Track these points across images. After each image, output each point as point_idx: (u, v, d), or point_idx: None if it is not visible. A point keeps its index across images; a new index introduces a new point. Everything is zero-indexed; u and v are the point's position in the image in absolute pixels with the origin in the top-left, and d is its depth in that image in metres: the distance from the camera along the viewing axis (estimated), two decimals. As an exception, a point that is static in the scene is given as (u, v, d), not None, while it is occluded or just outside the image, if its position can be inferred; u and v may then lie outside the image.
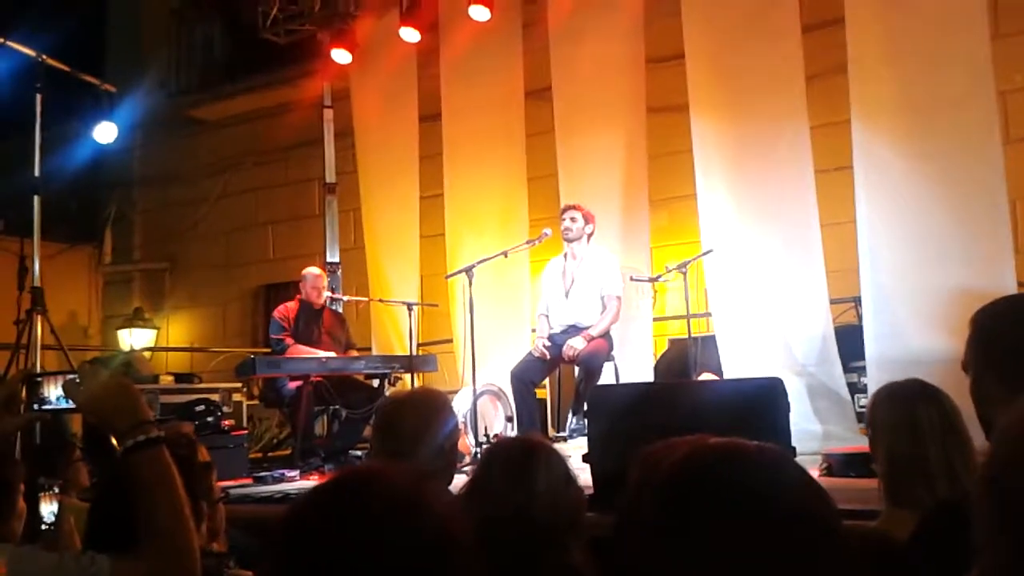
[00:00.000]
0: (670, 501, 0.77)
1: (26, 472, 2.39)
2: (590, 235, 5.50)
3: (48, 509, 2.40)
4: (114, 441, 1.53)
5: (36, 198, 5.71)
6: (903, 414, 2.04)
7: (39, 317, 5.46)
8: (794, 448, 2.96)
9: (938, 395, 2.07)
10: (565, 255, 5.57)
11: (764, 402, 3.08)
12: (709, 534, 0.73)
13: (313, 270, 6.18)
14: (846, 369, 5.29)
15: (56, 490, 2.39)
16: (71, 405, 1.71)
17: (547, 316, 5.56)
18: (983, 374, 1.51)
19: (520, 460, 1.69)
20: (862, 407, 5.18)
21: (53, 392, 1.80)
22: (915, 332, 4.85)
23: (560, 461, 1.73)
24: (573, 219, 5.45)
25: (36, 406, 1.80)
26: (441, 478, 2.11)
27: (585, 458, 3.07)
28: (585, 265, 5.44)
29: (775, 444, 0.81)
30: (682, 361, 5.56)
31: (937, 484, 1.95)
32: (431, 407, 2.15)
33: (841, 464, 3.82)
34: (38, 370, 4.88)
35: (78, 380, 1.58)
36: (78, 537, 2.17)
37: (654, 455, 0.85)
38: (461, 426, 5.32)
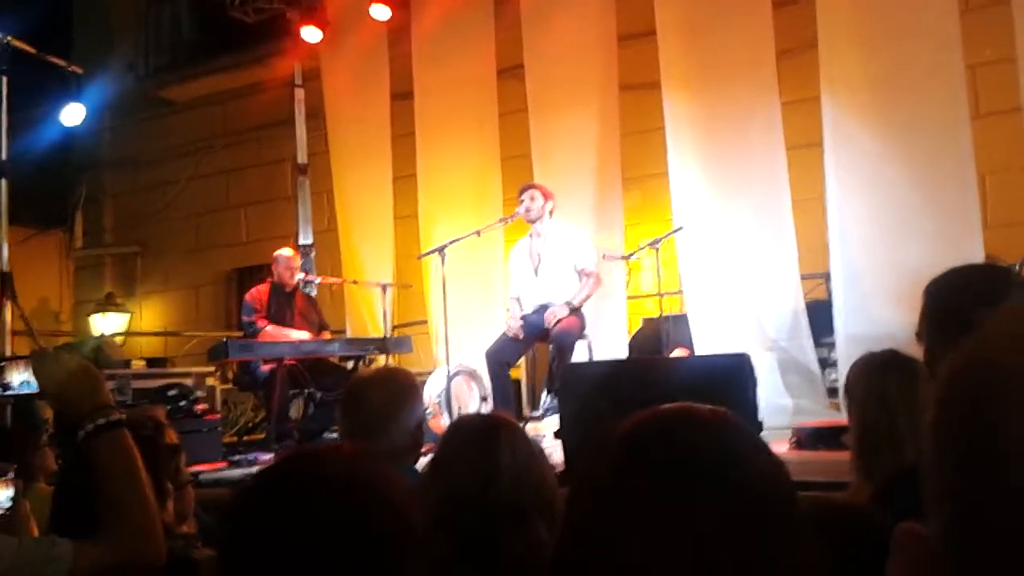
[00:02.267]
0: (620, 461, 0.78)
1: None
2: (551, 211, 5.49)
3: (4, 494, 2.37)
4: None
5: (3, 181, 5.63)
6: (875, 383, 2.05)
7: (8, 303, 5.41)
8: (760, 422, 2.99)
9: (912, 364, 2.07)
10: (530, 235, 5.56)
11: (732, 377, 3.10)
12: (657, 493, 0.73)
13: (285, 251, 6.13)
14: (817, 344, 5.35)
15: (12, 475, 2.35)
16: (34, 390, 1.70)
17: (518, 298, 5.55)
18: (934, 344, 1.53)
19: (483, 436, 1.68)
20: (832, 381, 5.24)
21: (16, 377, 1.78)
22: (884, 307, 4.89)
23: (524, 437, 1.73)
24: (532, 198, 5.42)
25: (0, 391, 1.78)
26: (407, 458, 2.12)
27: (557, 434, 3.09)
28: (550, 241, 5.43)
29: (741, 417, 0.82)
30: (655, 339, 5.59)
31: (906, 453, 1.95)
32: (397, 386, 2.15)
33: (810, 437, 3.86)
34: (5, 355, 4.83)
35: (38, 363, 1.57)
36: (35, 523, 2.16)
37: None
38: (435, 406, 5.34)
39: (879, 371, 2.06)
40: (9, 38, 5.84)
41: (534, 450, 1.73)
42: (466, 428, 1.77)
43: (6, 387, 1.78)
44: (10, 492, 2.50)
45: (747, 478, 0.75)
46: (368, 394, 2.11)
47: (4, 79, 5.81)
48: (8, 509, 2.49)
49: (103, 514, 1.45)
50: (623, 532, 0.74)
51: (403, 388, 2.14)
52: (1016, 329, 0.59)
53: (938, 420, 0.61)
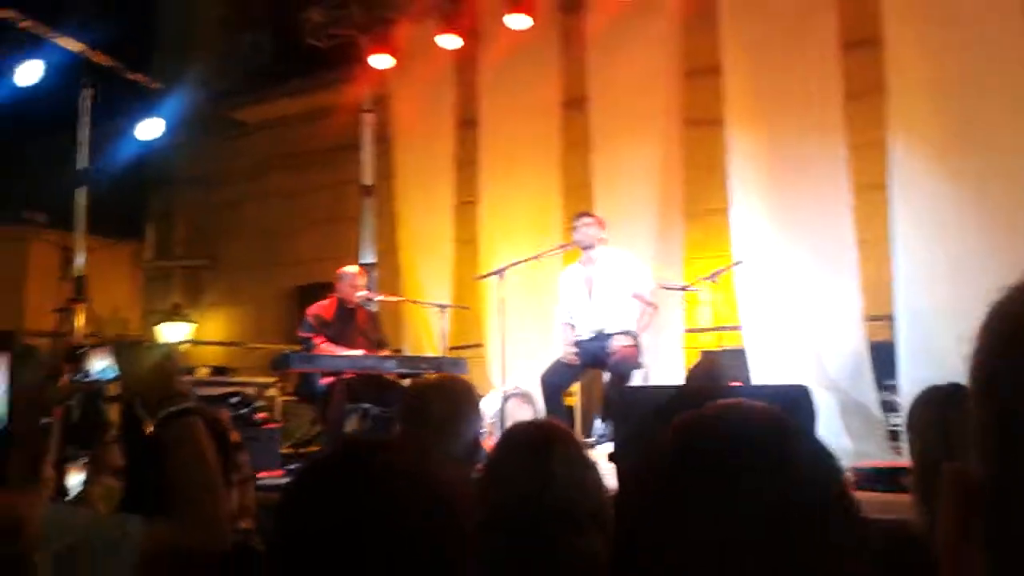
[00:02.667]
0: (674, 454, 0.78)
1: (58, 442, 2.44)
2: (603, 240, 5.52)
3: (75, 480, 2.44)
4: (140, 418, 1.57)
5: (83, 189, 5.85)
6: (936, 415, 2.01)
7: (80, 306, 5.60)
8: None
9: None
10: (581, 262, 5.60)
11: (792, 408, 3.07)
12: (710, 485, 0.74)
13: (351, 268, 6.21)
14: (879, 387, 5.25)
15: (84, 460, 2.43)
16: (112, 377, 1.77)
17: (570, 323, 5.57)
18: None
19: (537, 444, 1.68)
20: (894, 426, 5.13)
21: (96, 364, 1.85)
22: (949, 350, 4.79)
23: (578, 446, 1.73)
24: (586, 224, 5.48)
25: (78, 377, 1.85)
26: (465, 465, 2.14)
27: (611, 458, 3.08)
28: (602, 266, 5.46)
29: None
30: (713, 373, 5.54)
31: None
32: (457, 394, 2.17)
33: (869, 478, 3.80)
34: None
35: (119, 352, 1.64)
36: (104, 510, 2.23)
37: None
38: (490, 427, 5.36)
39: (940, 404, 2.03)
40: (92, 52, 6.08)
41: (588, 459, 1.73)
42: (520, 435, 1.77)
43: (86, 374, 1.86)
44: (81, 478, 2.59)
45: (803, 473, 0.75)
46: (429, 402, 2.14)
47: (86, 92, 6.05)
48: (79, 494, 2.58)
49: (172, 498, 1.49)
50: (677, 525, 0.74)
51: (463, 398, 2.17)
52: None
53: (980, 351, 0.61)
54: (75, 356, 1.85)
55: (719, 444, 0.76)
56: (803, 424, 0.84)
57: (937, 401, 2.06)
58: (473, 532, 0.98)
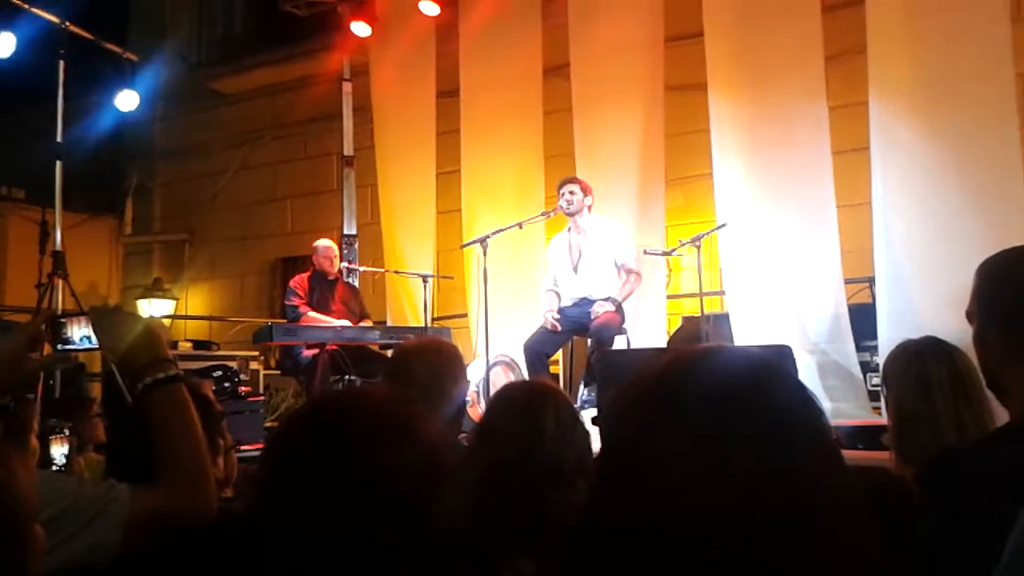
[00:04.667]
0: (657, 393, 0.79)
1: (40, 413, 2.44)
2: (590, 206, 5.52)
3: (59, 451, 2.46)
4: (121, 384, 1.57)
5: (58, 163, 5.78)
6: (914, 368, 2.03)
7: (60, 281, 5.55)
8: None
9: (952, 352, 2.05)
10: (569, 228, 5.60)
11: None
12: (693, 424, 0.75)
13: (324, 241, 6.27)
14: (858, 348, 5.31)
15: (67, 432, 2.44)
16: (94, 345, 1.75)
17: (555, 291, 5.58)
18: (985, 325, 1.52)
19: (528, 402, 1.71)
20: (874, 386, 5.20)
21: (77, 333, 1.84)
22: (929, 312, 4.84)
23: (567, 402, 1.76)
24: (572, 192, 5.45)
25: (60, 346, 1.84)
26: (450, 426, 2.15)
27: (594, 421, 3.10)
28: (590, 236, 5.46)
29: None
30: (695, 337, 5.58)
31: (945, 436, 1.93)
32: (443, 357, 2.18)
33: (848, 436, 3.85)
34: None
35: (98, 319, 1.62)
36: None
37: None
38: (474, 395, 5.38)
39: (917, 356, 2.05)
40: (67, 23, 5.99)
41: (576, 416, 1.76)
42: (511, 394, 1.81)
43: (67, 342, 1.84)
44: (64, 449, 2.60)
45: (781, 409, 0.76)
46: (414, 363, 2.15)
47: (61, 64, 5.96)
48: (63, 465, 2.59)
49: (159, 464, 1.48)
50: (661, 465, 0.75)
51: (449, 359, 2.18)
52: None
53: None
54: (56, 326, 1.83)
55: (704, 379, 0.77)
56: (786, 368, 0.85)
57: (913, 352, 2.09)
58: (453, 473, 0.99)
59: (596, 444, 3.28)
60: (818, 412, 0.78)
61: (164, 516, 1.44)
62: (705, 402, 0.75)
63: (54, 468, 2.57)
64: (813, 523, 0.72)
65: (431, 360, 2.15)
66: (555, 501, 1.57)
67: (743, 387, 0.76)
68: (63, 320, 1.82)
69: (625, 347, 5.27)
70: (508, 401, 1.77)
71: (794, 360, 3.19)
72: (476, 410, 5.25)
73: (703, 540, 0.72)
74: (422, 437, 0.99)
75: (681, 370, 0.80)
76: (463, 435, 2.33)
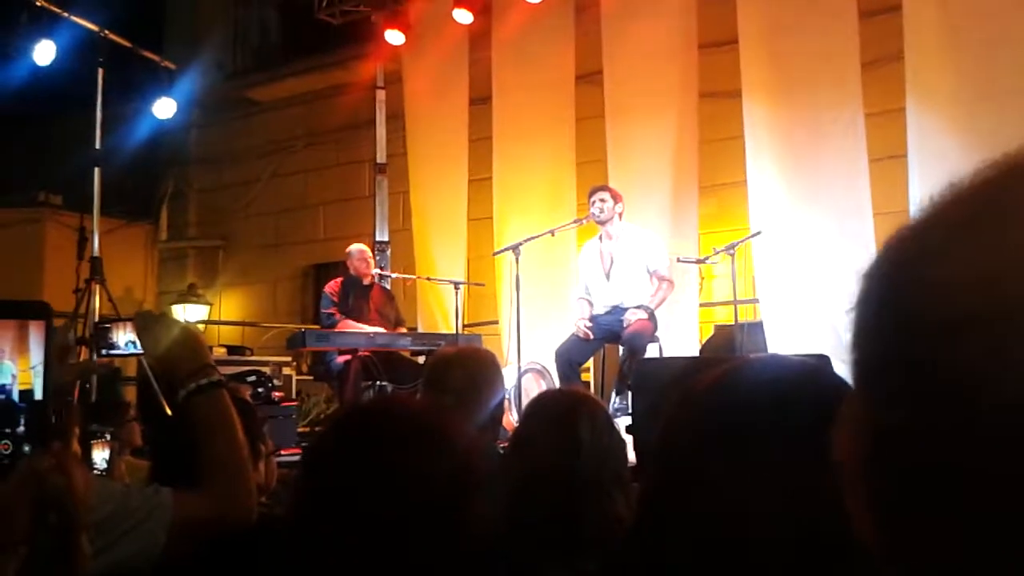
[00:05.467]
0: (713, 406, 0.78)
1: (81, 419, 2.47)
2: (620, 214, 5.51)
3: (100, 456, 2.48)
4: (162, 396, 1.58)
5: (96, 170, 5.85)
6: None
7: (97, 286, 5.62)
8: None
9: None
10: (600, 237, 5.58)
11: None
12: (753, 438, 0.74)
13: (359, 245, 6.26)
14: (895, 358, 5.22)
15: (108, 438, 2.47)
16: (138, 351, 1.77)
17: (587, 299, 5.56)
18: None
19: (564, 412, 1.69)
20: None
21: (121, 338, 1.85)
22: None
23: (603, 412, 1.75)
24: (603, 200, 5.45)
25: (104, 351, 1.85)
26: (486, 435, 2.15)
27: (629, 429, 3.08)
28: (622, 244, 5.45)
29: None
30: (728, 346, 5.54)
31: None
32: (479, 363, 2.18)
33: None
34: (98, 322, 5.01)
35: (142, 324, 1.63)
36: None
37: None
38: (506, 402, 5.37)
39: None
40: (105, 31, 6.07)
41: (612, 425, 1.74)
42: (547, 404, 1.79)
43: (112, 347, 1.86)
44: (105, 453, 2.63)
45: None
46: (452, 370, 2.15)
47: (100, 71, 6.04)
48: (104, 470, 2.62)
49: (202, 470, 1.50)
50: (718, 480, 0.74)
51: (486, 366, 2.17)
52: None
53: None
54: (99, 331, 1.85)
55: (756, 389, 0.76)
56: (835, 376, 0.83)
57: None
58: (483, 487, 1.00)
59: (631, 454, 3.27)
60: None
61: (206, 522, 1.45)
62: (762, 416, 0.74)
63: (95, 472, 2.60)
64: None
65: (469, 367, 2.15)
66: (592, 512, 1.56)
67: (800, 398, 0.75)
68: (108, 325, 1.84)
69: (658, 355, 5.23)
70: (543, 410, 1.75)
71: (833, 370, 3.14)
72: (507, 417, 5.24)
73: (761, 555, 0.71)
74: (456, 445, 1.00)
75: (736, 381, 0.79)
76: (500, 443, 2.32)
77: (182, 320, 1.73)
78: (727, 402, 0.77)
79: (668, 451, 0.81)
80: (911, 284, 0.48)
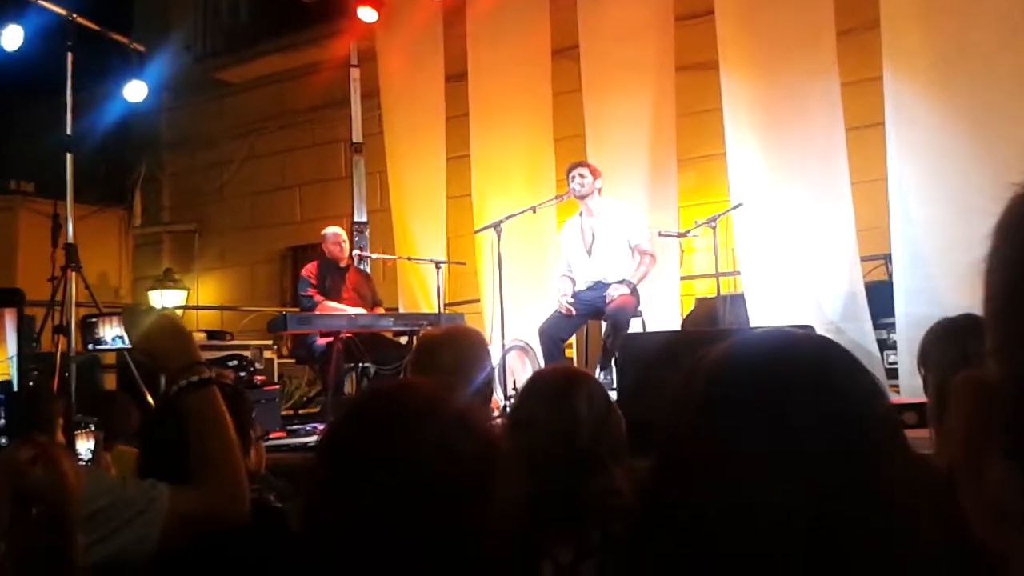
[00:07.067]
0: (717, 381, 0.77)
1: (64, 409, 2.44)
2: (599, 189, 5.50)
3: (85, 446, 2.45)
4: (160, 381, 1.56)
5: (68, 156, 5.75)
6: (956, 345, 1.99)
7: (73, 273, 5.54)
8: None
9: None
10: (581, 213, 5.57)
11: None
12: (757, 410, 0.73)
13: (333, 228, 6.25)
14: (875, 326, 5.28)
15: (92, 427, 2.44)
16: (125, 345, 1.74)
17: (570, 276, 5.56)
18: None
19: (562, 388, 1.70)
20: (891, 363, 5.18)
21: (108, 332, 1.83)
22: (947, 288, 4.81)
23: (600, 388, 1.75)
24: (582, 175, 5.43)
25: (92, 346, 1.83)
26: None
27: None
28: (602, 219, 5.44)
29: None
30: (710, 319, 5.56)
31: None
32: (468, 343, 2.17)
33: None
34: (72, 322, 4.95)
35: (130, 319, 1.61)
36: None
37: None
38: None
39: (959, 334, 2.00)
40: (74, 15, 5.95)
41: (609, 399, 1.75)
42: (545, 381, 1.79)
43: (99, 342, 1.83)
44: (90, 444, 2.60)
45: (846, 393, 0.74)
46: (441, 351, 2.14)
47: (69, 56, 5.92)
48: (88, 460, 2.59)
49: (194, 467, 1.49)
50: (725, 454, 0.73)
51: (474, 345, 2.17)
52: None
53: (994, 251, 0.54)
54: (86, 325, 1.83)
55: (763, 363, 0.76)
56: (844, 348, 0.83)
57: (953, 331, 2.04)
58: (505, 457, 1.01)
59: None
60: (883, 392, 0.77)
61: (201, 518, 1.46)
62: (768, 385, 0.74)
63: (81, 463, 2.57)
64: (889, 511, 0.70)
65: (458, 347, 2.15)
66: (592, 488, 1.56)
67: (807, 370, 0.75)
68: (95, 320, 1.82)
69: (641, 329, 5.24)
70: (541, 388, 1.76)
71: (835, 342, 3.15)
72: (493, 397, 5.24)
73: (771, 530, 0.71)
74: (478, 421, 1.01)
75: (741, 354, 0.78)
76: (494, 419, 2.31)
77: (169, 314, 1.70)
78: (733, 377, 0.76)
79: (673, 427, 0.80)
80: None
